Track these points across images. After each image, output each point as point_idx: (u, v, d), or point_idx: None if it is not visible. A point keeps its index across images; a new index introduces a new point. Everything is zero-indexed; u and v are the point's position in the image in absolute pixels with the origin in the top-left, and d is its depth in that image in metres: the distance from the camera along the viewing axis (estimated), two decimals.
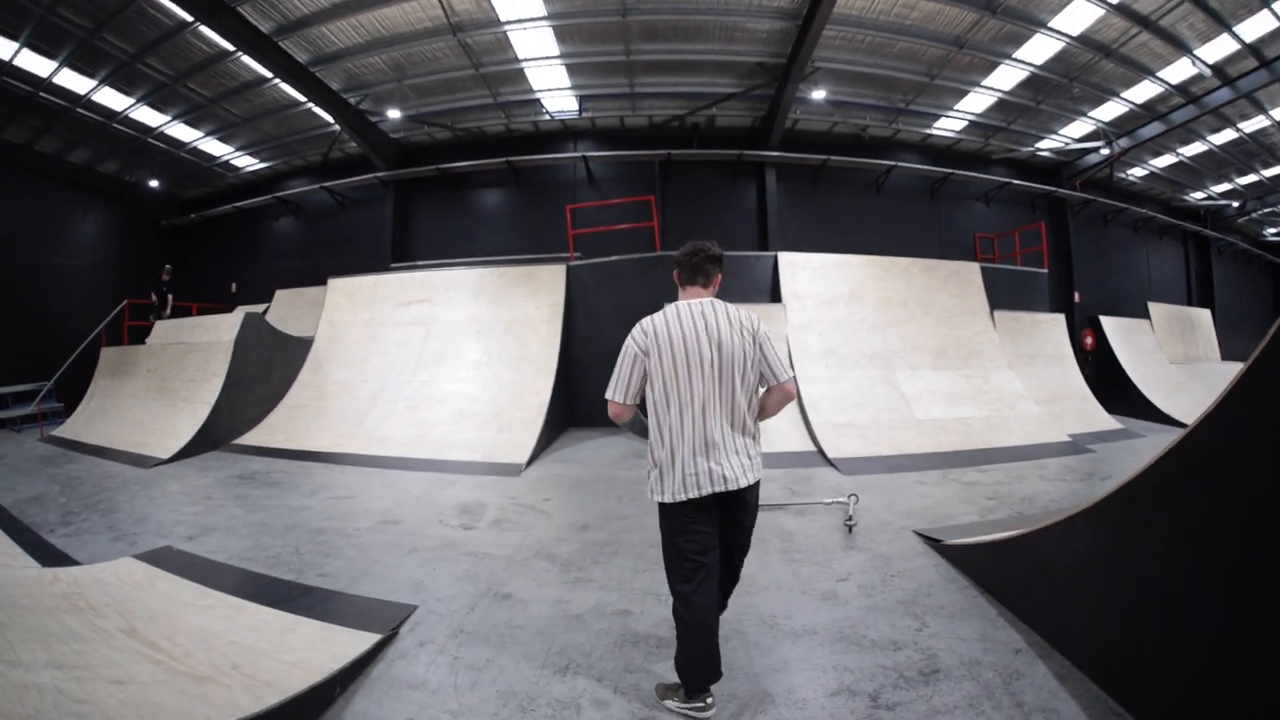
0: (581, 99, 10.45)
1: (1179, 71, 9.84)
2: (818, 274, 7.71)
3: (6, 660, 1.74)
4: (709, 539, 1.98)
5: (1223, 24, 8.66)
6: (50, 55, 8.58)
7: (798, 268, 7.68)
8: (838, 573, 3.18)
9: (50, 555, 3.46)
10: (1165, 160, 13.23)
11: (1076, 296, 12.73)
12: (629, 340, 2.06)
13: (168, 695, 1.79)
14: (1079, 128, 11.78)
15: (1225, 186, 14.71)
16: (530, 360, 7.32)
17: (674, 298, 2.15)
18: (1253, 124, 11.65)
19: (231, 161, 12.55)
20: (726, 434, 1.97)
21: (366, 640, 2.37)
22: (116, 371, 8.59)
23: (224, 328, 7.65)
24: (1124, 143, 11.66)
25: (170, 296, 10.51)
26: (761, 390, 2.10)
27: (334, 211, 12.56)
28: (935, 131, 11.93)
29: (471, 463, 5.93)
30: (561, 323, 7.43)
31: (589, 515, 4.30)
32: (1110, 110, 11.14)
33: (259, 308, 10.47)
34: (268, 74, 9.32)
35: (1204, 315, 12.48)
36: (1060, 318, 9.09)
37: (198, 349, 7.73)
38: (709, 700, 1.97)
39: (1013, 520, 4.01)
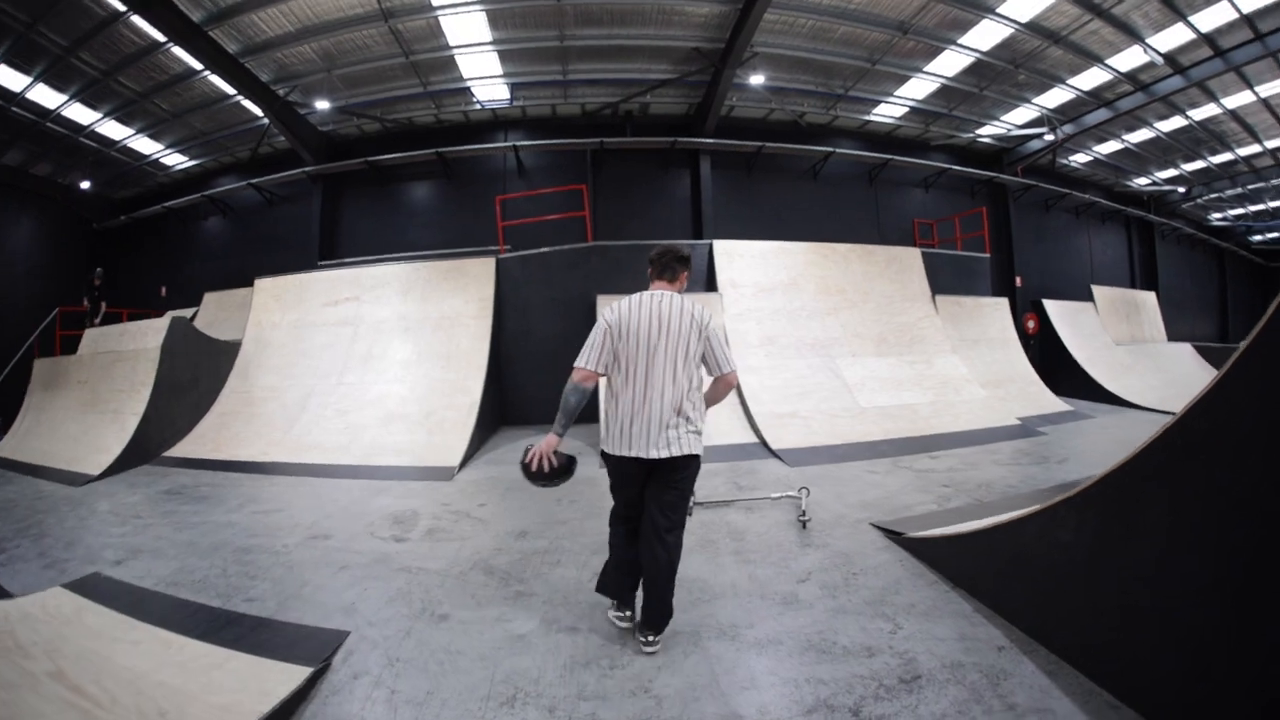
0: (513, 87, 10.19)
1: (1129, 59, 9.86)
2: (754, 262, 7.55)
3: None
4: (635, 499, 2.36)
5: (1179, 14, 8.68)
6: None
7: (734, 256, 7.52)
8: (797, 573, 3.02)
9: None
10: (1110, 146, 13.41)
11: (1018, 281, 12.80)
12: (601, 318, 2.37)
13: None
14: (1022, 114, 11.83)
15: (1171, 172, 14.96)
16: (460, 357, 7.03)
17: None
18: (1203, 111, 11.78)
19: (161, 160, 12.09)
20: (663, 410, 2.25)
21: (298, 675, 2.20)
22: (49, 384, 8.06)
23: (150, 334, 7.26)
24: (1068, 129, 11.75)
25: (103, 303, 10.05)
26: (708, 381, 2.40)
27: (262, 209, 12.08)
28: (874, 118, 11.88)
29: (402, 468, 5.67)
30: (491, 318, 7.15)
31: (527, 521, 4.11)
32: (1056, 97, 11.18)
33: (189, 312, 10.01)
34: (198, 66, 9.05)
35: (1149, 297, 12.71)
36: (1003, 302, 9.11)
37: (125, 357, 7.31)
38: (628, 614, 2.47)
39: (973, 508, 3.92)
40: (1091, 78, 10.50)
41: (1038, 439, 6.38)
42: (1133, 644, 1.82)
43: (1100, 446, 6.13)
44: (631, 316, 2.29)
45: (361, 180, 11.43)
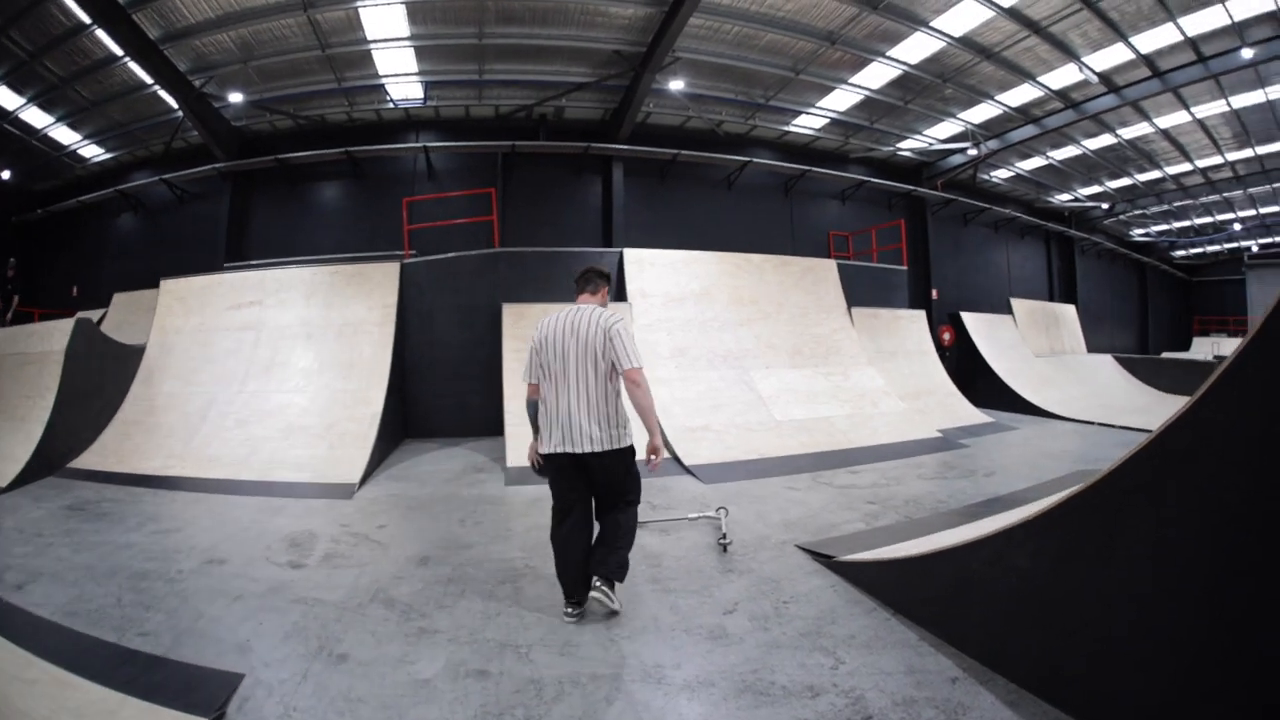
0: (428, 86, 10.02)
1: (1062, 77, 9.97)
2: (666, 271, 7.51)
3: None
4: (569, 493, 2.65)
5: (1119, 34, 8.79)
6: None
7: (644, 264, 7.47)
8: (722, 603, 2.83)
9: None
10: (1034, 163, 13.83)
11: (934, 294, 13.06)
12: (532, 335, 2.76)
13: None
14: (946, 129, 12.11)
15: (1095, 189, 15.47)
16: (362, 367, 6.81)
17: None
18: (1133, 130, 12.06)
19: (79, 151, 11.59)
20: (581, 409, 2.56)
21: None
22: None
23: (55, 336, 6.79)
24: (992, 144, 12.08)
25: (15, 296, 9.43)
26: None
27: (173, 207, 11.59)
28: (793, 129, 11.97)
29: (301, 484, 5.41)
30: (395, 325, 6.95)
31: (428, 545, 3.89)
32: (982, 112, 11.42)
33: (97, 314, 9.51)
34: (118, 51, 8.71)
35: (1068, 310, 13.17)
36: (921, 314, 9.29)
37: (33, 360, 6.82)
38: (574, 606, 2.64)
39: (904, 526, 3.83)
40: (1021, 94, 10.69)
41: (960, 451, 6.37)
42: (1110, 664, 1.75)
43: (1026, 458, 6.13)
44: (550, 330, 2.66)
45: (272, 179, 11.08)
